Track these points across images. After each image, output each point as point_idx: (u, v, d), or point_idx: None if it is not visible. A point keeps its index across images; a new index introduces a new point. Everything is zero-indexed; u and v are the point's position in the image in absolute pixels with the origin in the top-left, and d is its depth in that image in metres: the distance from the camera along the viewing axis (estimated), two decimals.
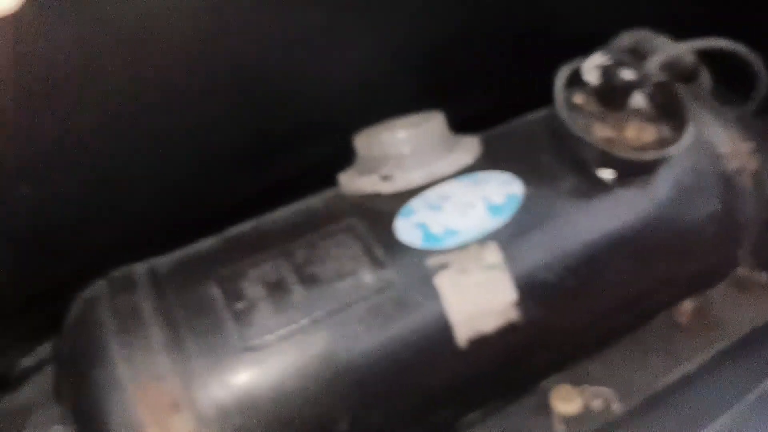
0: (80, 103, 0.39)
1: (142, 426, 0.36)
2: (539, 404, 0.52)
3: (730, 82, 0.54)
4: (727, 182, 0.50)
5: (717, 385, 0.53)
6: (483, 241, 0.44)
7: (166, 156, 0.47)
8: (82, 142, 0.42)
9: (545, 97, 0.49)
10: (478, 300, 0.43)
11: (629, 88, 0.49)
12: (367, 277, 0.42)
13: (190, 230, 0.46)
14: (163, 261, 0.44)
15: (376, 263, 0.42)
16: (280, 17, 0.44)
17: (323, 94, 0.52)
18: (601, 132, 0.49)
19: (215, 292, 0.40)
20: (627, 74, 0.48)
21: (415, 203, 0.45)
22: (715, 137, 0.51)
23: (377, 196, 0.46)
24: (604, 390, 0.53)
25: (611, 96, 0.49)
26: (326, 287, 0.41)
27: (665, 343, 0.56)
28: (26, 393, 0.52)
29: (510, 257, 0.44)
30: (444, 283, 0.42)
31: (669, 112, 0.49)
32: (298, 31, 0.47)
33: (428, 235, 0.44)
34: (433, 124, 0.48)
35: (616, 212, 0.47)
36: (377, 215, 0.45)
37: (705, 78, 0.54)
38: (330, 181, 0.49)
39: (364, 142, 0.48)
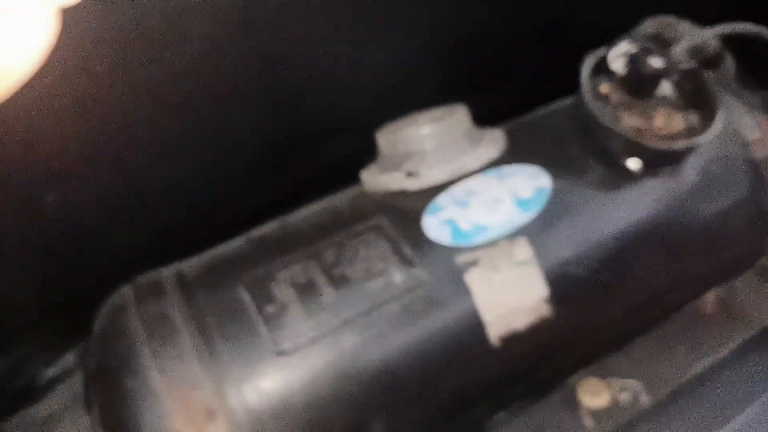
0: (106, 106, 0.38)
1: None
2: (566, 399, 0.51)
3: (749, 67, 0.53)
4: (755, 170, 0.49)
5: (745, 375, 0.52)
6: (512, 236, 0.43)
7: (189, 157, 0.47)
8: (107, 147, 0.41)
9: (569, 88, 0.48)
10: (510, 297, 0.42)
11: (657, 76, 0.47)
12: (397, 276, 0.41)
13: (212, 231, 0.45)
14: (190, 265, 0.44)
15: (406, 262, 0.42)
16: (305, 15, 0.44)
17: (346, 90, 0.51)
18: (629, 121, 0.48)
19: (245, 296, 0.40)
20: (655, 62, 0.47)
21: (441, 200, 0.45)
22: (742, 124, 0.50)
23: (402, 194, 0.45)
24: (632, 382, 0.52)
25: (638, 84, 0.48)
26: (356, 288, 0.40)
27: (689, 333, 0.55)
28: (51, 402, 0.51)
29: (540, 252, 0.43)
30: (475, 280, 0.41)
31: (697, 99, 0.48)
32: (322, 27, 0.46)
33: (457, 232, 0.43)
34: (456, 117, 0.47)
35: (645, 203, 0.46)
36: (404, 213, 0.44)
37: (729, 63, 0.53)
38: (349, 178, 0.49)
39: (388, 138, 0.47)
